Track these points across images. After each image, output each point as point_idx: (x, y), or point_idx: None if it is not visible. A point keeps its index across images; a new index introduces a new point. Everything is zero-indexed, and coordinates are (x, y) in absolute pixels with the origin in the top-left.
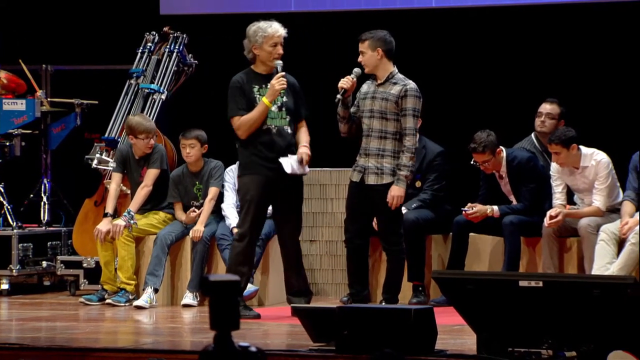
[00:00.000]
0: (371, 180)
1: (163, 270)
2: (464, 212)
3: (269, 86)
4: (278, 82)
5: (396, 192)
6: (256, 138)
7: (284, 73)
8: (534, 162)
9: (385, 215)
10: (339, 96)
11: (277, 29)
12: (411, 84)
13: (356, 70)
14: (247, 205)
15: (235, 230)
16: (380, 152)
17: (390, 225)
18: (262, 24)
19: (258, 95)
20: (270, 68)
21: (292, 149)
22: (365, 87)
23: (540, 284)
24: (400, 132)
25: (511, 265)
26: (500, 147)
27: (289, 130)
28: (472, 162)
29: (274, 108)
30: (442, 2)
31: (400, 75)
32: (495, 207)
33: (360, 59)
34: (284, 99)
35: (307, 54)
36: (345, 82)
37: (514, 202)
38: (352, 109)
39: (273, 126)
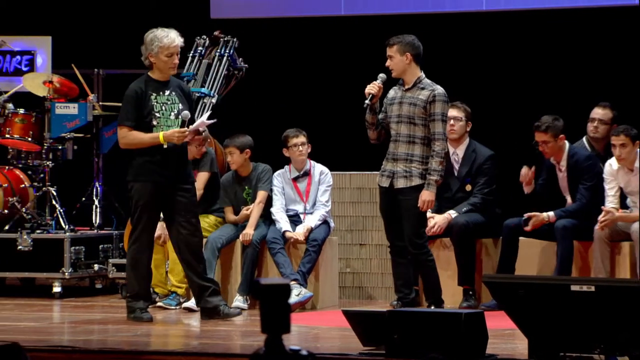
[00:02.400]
0: (400, 183)
1: (213, 273)
2: (524, 227)
3: (171, 134)
4: (180, 137)
5: (427, 196)
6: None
7: (188, 130)
8: (593, 160)
9: (410, 217)
10: (367, 102)
11: (173, 39)
12: (439, 89)
13: (382, 75)
14: (140, 211)
15: (287, 235)
16: (408, 157)
17: (415, 227)
18: (159, 33)
19: (155, 103)
20: (167, 76)
21: (184, 158)
22: (392, 93)
23: (592, 288)
24: (429, 137)
25: (563, 270)
26: (564, 135)
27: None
28: (533, 143)
29: (172, 116)
30: (492, 5)
31: (427, 80)
32: (551, 213)
33: (388, 63)
34: (180, 106)
35: (357, 58)
36: (372, 88)
37: (569, 200)
38: (380, 116)
39: None
